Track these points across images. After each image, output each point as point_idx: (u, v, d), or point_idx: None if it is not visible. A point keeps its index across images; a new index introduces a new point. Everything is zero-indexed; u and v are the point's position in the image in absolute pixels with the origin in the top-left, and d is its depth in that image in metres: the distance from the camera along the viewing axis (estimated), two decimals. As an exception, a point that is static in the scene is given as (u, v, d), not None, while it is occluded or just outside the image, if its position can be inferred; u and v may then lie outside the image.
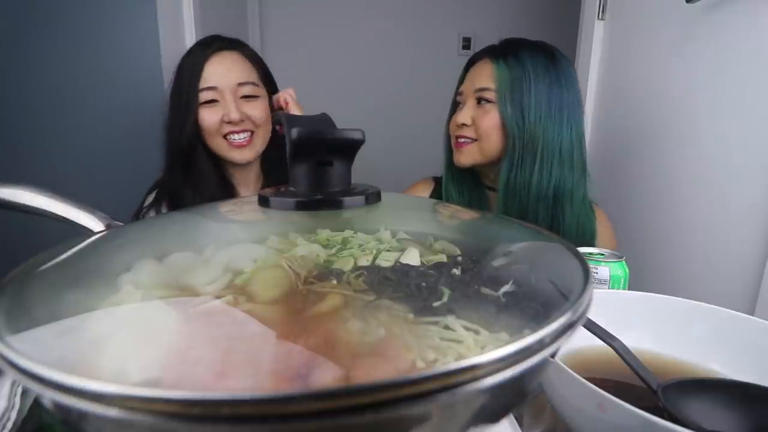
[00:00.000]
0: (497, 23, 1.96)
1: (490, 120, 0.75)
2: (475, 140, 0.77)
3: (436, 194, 0.88)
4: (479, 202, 0.84)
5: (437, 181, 0.90)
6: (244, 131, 0.81)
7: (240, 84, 0.80)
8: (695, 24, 0.82)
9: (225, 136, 0.81)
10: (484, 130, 0.76)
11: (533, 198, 0.74)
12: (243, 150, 0.82)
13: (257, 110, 0.82)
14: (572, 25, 1.25)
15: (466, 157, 0.78)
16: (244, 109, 0.80)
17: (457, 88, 0.82)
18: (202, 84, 0.79)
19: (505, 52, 0.76)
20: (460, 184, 0.84)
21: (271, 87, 0.88)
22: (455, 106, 0.82)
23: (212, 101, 0.79)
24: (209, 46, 0.81)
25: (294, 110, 0.85)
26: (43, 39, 1.23)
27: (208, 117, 0.80)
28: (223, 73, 0.79)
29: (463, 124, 0.77)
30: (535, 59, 0.74)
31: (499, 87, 0.74)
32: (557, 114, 0.73)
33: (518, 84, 0.72)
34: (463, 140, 0.78)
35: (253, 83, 0.82)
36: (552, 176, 0.74)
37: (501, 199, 0.76)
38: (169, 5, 1.22)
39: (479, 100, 0.76)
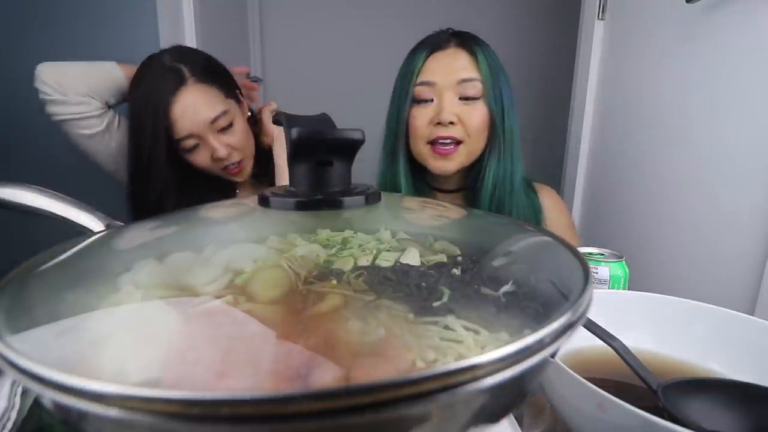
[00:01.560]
0: (497, 22, 1.96)
1: (480, 115, 0.70)
2: (461, 142, 0.71)
3: None
4: None
5: None
6: (233, 163, 0.80)
7: (213, 121, 0.76)
8: (695, 24, 0.82)
9: (222, 170, 0.81)
10: (474, 128, 0.70)
11: (515, 193, 0.74)
12: (240, 174, 0.83)
13: (236, 136, 0.79)
14: (572, 25, 1.25)
15: (454, 163, 0.72)
16: (226, 142, 0.78)
17: (414, 78, 0.71)
18: (179, 134, 0.75)
19: (475, 42, 0.72)
20: (412, 185, 0.77)
21: (227, 79, 0.83)
22: (412, 101, 0.72)
23: (195, 146, 0.77)
24: (163, 83, 0.74)
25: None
26: (44, 39, 1.23)
27: (200, 160, 0.79)
28: (190, 115, 0.74)
29: (450, 123, 0.69)
30: (494, 53, 0.72)
31: (485, 79, 0.69)
32: (514, 105, 0.73)
33: (496, 77, 0.70)
34: (447, 145, 0.70)
35: (224, 111, 0.77)
36: (520, 170, 0.75)
37: (488, 198, 0.73)
38: (169, 3, 1.22)
39: (462, 96, 0.70)
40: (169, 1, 1.21)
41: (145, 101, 0.75)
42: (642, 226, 0.97)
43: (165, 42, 1.22)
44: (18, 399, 0.32)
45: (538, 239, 0.26)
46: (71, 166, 1.36)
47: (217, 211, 0.32)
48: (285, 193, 0.26)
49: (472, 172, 0.76)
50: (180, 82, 0.74)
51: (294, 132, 0.23)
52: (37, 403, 0.32)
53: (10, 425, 0.31)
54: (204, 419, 0.12)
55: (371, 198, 0.26)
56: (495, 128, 0.71)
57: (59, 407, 0.14)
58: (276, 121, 0.27)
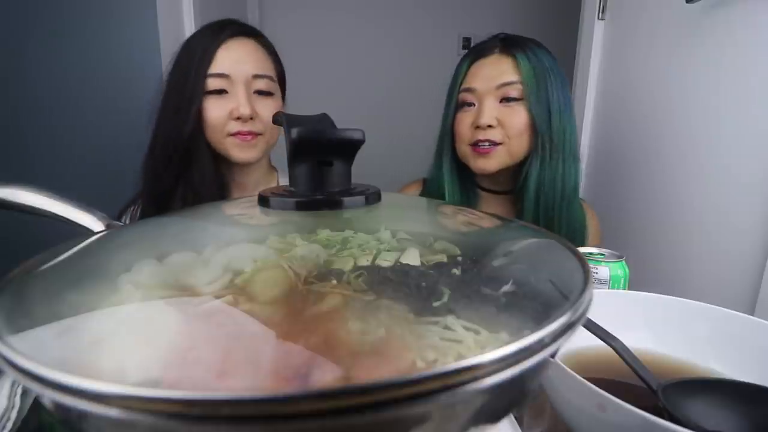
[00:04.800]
0: (497, 23, 1.96)
1: (520, 119, 0.71)
2: (501, 143, 0.72)
3: (423, 195, 0.86)
4: (468, 202, 0.81)
5: (426, 182, 0.87)
6: (250, 133, 0.71)
7: (255, 76, 0.71)
8: (695, 24, 0.82)
9: (230, 134, 0.71)
10: (514, 131, 0.71)
11: (566, 200, 0.74)
12: (247, 147, 0.72)
13: (269, 110, 0.72)
14: (572, 25, 1.25)
15: (494, 162, 0.73)
16: (256, 106, 0.71)
17: (459, 84, 0.75)
18: (212, 69, 0.69)
19: (520, 46, 0.72)
20: (457, 184, 0.80)
21: (283, 87, 0.80)
22: (457, 106, 0.76)
23: (221, 91, 0.70)
24: (222, 30, 0.71)
25: None
26: (43, 39, 1.24)
27: (214, 109, 0.70)
28: (237, 60, 0.70)
29: (489, 126, 0.71)
30: (546, 55, 0.73)
31: (526, 82, 0.70)
32: (571, 111, 0.73)
33: (542, 80, 0.70)
34: (487, 145, 0.72)
35: (270, 77, 0.73)
36: (574, 174, 0.74)
37: (531, 202, 0.74)
38: (169, 3, 1.22)
39: (502, 98, 0.71)
40: (169, 1, 1.21)
41: (193, 43, 0.71)
42: (642, 226, 0.97)
43: (165, 42, 1.22)
44: (18, 399, 0.32)
45: (538, 239, 0.26)
46: (71, 166, 1.37)
47: (216, 211, 0.32)
48: (285, 193, 0.26)
49: (519, 174, 0.76)
50: (242, 33, 0.72)
51: (294, 132, 0.23)
52: (37, 403, 0.32)
53: (10, 425, 0.31)
54: (204, 419, 0.12)
55: (371, 198, 0.26)
56: (538, 131, 0.71)
57: (59, 407, 0.14)
58: (276, 121, 0.27)
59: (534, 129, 0.71)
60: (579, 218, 0.77)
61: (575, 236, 0.76)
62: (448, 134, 0.78)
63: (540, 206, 0.74)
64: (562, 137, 0.72)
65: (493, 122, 0.71)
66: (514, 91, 0.70)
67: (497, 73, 0.71)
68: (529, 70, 0.70)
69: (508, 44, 0.73)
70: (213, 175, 0.74)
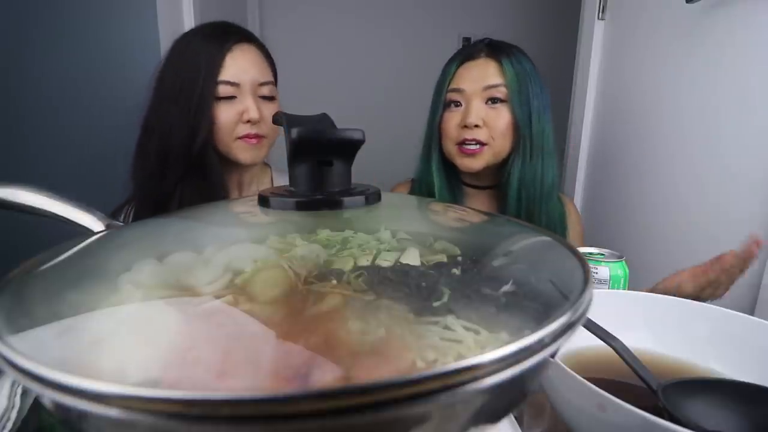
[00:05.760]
0: (497, 23, 1.96)
1: (504, 120, 0.75)
2: (486, 144, 0.76)
3: (412, 193, 0.88)
4: (455, 198, 0.84)
5: (413, 181, 0.90)
6: (257, 136, 0.75)
7: (261, 84, 0.75)
8: (695, 24, 0.82)
9: (238, 137, 0.74)
10: (498, 131, 0.75)
11: (545, 195, 0.78)
12: (253, 149, 0.75)
13: (272, 113, 0.74)
14: (572, 25, 1.25)
15: (479, 161, 0.77)
16: (262, 110, 0.74)
17: (446, 85, 0.79)
18: (222, 77, 0.71)
19: (505, 52, 0.76)
20: (445, 181, 0.83)
21: (276, 77, 0.83)
22: (444, 106, 0.79)
23: (230, 97, 0.72)
24: (227, 37, 0.73)
25: None
26: (44, 39, 1.24)
27: (224, 112, 0.72)
28: (243, 68, 0.73)
29: (476, 126, 0.75)
30: (527, 62, 0.77)
31: (510, 85, 0.74)
32: (548, 113, 0.78)
33: (524, 84, 0.75)
34: (474, 145, 0.76)
35: (272, 83, 0.77)
36: (552, 172, 0.78)
37: (514, 198, 0.78)
38: (169, 5, 1.22)
39: (488, 99, 0.75)
40: (169, 1, 1.21)
41: (196, 46, 0.72)
42: (642, 226, 0.97)
43: (165, 42, 1.22)
44: (18, 399, 0.32)
45: (538, 239, 0.26)
46: (70, 166, 1.37)
47: (217, 211, 0.32)
48: (285, 193, 0.26)
49: (502, 171, 0.80)
50: (245, 39, 0.74)
51: (294, 132, 0.23)
52: (37, 403, 0.32)
53: (10, 425, 0.31)
54: (204, 419, 0.12)
55: (371, 198, 0.26)
56: (520, 131, 0.75)
57: (59, 407, 0.14)
58: (276, 121, 0.27)
59: (516, 129, 0.75)
60: (558, 212, 0.81)
61: (555, 229, 0.80)
62: (435, 133, 0.81)
63: (522, 201, 0.78)
64: (541, 137, 0.76)
65: (480, 122, 0.75)
66: (499, 93, 0.75)
67: (484, 75, 0.76)
68: (513, 74, 0.75)
69: (494, 49, 0.77)
70: (220, 177, 0.76)
